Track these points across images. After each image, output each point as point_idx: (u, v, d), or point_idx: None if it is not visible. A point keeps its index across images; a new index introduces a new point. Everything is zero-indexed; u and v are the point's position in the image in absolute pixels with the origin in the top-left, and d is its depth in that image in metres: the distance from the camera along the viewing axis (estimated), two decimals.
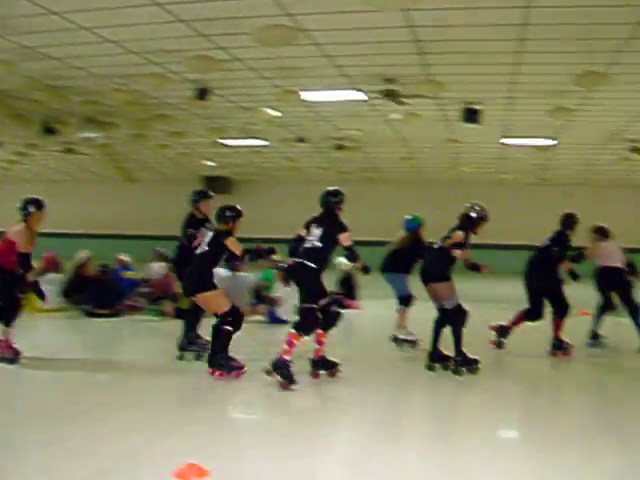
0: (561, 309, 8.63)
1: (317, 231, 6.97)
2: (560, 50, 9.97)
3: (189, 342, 7.94)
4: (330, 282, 9.59)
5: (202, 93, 11.59)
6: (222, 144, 18.65)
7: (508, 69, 11.15)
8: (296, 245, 7.11)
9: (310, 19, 8.94)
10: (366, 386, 6.92)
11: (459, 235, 7.51)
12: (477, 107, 13.34)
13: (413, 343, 8.97)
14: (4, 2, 8.46)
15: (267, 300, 10.98)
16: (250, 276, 11.49)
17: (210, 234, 7.27)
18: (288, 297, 10.47)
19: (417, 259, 8.70)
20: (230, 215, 7.22)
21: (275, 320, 10.73)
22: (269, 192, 25.31)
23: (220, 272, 12.14)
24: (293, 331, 6.63)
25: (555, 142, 17.13)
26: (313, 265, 6.81)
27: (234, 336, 7.04)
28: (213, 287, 7.05)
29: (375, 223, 24.10)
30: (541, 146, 17.62)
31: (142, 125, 16.08)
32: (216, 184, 25.24)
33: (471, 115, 13.46)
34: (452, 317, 7.47)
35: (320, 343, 7.10)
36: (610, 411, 6.46)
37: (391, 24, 9.13)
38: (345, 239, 6.96)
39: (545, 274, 8.69)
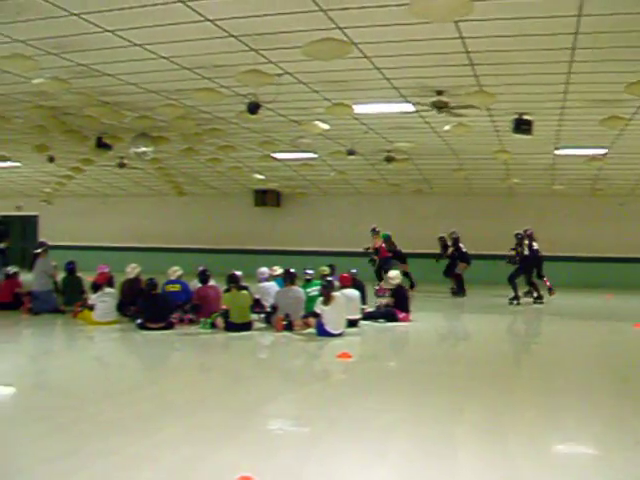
0: None
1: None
2: (611, 58, 9.82)
3: None
4: None
5: (253, 107, 11.63)
6: (272, 157, 18.74)
7: (559, 79, 10.99)
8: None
9: (359, 32, 8.93)
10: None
11: None
12: (528, 117, 13.18)
13: None
14: (60, 23, 8.62)
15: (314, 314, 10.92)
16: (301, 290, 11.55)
17: None
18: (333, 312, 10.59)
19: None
20: None
21: (323, 333, 10.69)
22: (318, 205, 25.29)
23: (273, 286, 12.20)
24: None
25: (605, 151, 16.81)
26: None
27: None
28: None
29: (423, 236, 23.96)
30: (593, 156, 17.30)
31: (193, 139, 16.26)
32: (266, 197, 25.40)
33: (522, 126, 13.30)
34: None
35: None
36: None
37: (440, 35, 9.07)
38: None
39: None
